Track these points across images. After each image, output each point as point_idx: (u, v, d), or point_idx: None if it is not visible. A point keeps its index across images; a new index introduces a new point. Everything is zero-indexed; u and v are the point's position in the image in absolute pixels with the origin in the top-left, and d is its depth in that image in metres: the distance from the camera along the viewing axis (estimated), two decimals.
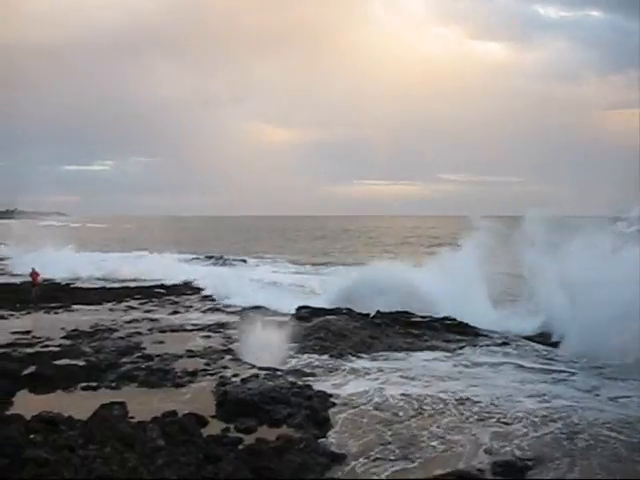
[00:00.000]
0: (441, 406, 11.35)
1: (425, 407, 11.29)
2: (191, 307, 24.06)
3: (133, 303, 24.79)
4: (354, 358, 15.19)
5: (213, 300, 25.83)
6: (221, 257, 47.70)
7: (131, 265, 37.50)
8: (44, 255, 37.72)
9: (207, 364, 14.32)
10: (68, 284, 31.45)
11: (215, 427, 10.10)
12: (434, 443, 9.62)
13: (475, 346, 16.78)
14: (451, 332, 18.31)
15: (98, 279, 34.20)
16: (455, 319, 19.15)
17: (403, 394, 12.01)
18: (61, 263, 35.84)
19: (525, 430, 10.17)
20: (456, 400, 11.65)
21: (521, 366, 14.60)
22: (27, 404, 11.01)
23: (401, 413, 10.99)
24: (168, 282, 31.45)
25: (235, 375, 13.17)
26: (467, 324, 18.76)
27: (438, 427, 10.28)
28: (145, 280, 32.78)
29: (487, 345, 16.90)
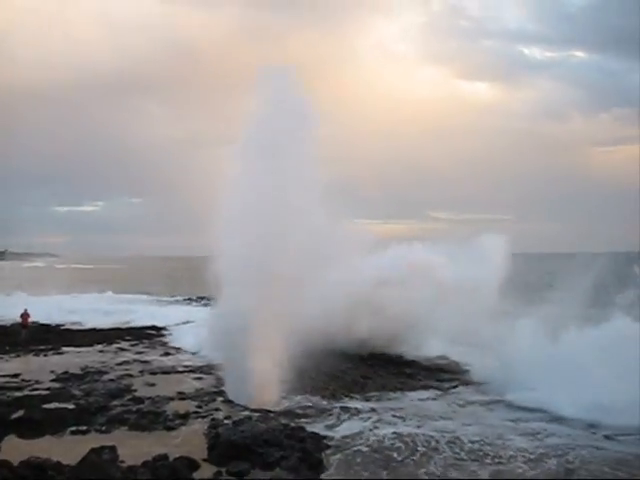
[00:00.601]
0: (435, 445, 11.26)
1: (419, 447, 11.19)
2: (182, 348, 23.81)
3: (124, 344, 24.54)
4: (347, 398, 15.07)
5: None
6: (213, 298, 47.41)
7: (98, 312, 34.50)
8: (18, 297, 37.20)
9: (199, 406, 14.17)
10: (58, 326, 30.98)
11: (207, 471, 9.95)
12: None
13: (467, 385, 16.72)
14: (444, 371, 18.28)
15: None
16: (448, 358, 19.10)
17: (397, 433, 11.91)
18: (40, 305, 34.51)
19: (524, 467, 10.15)
20: (450, 439, 11.57)
21: (514, 404, 14.53)
22: (15, 449, 10.77)
23: (395, 454, 10.89)
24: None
25: (227, 417, 13.03)
26: (459, 363, 18.70)
27: (435, 466, 10.20)
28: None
29: (479, 384, 16.82)
